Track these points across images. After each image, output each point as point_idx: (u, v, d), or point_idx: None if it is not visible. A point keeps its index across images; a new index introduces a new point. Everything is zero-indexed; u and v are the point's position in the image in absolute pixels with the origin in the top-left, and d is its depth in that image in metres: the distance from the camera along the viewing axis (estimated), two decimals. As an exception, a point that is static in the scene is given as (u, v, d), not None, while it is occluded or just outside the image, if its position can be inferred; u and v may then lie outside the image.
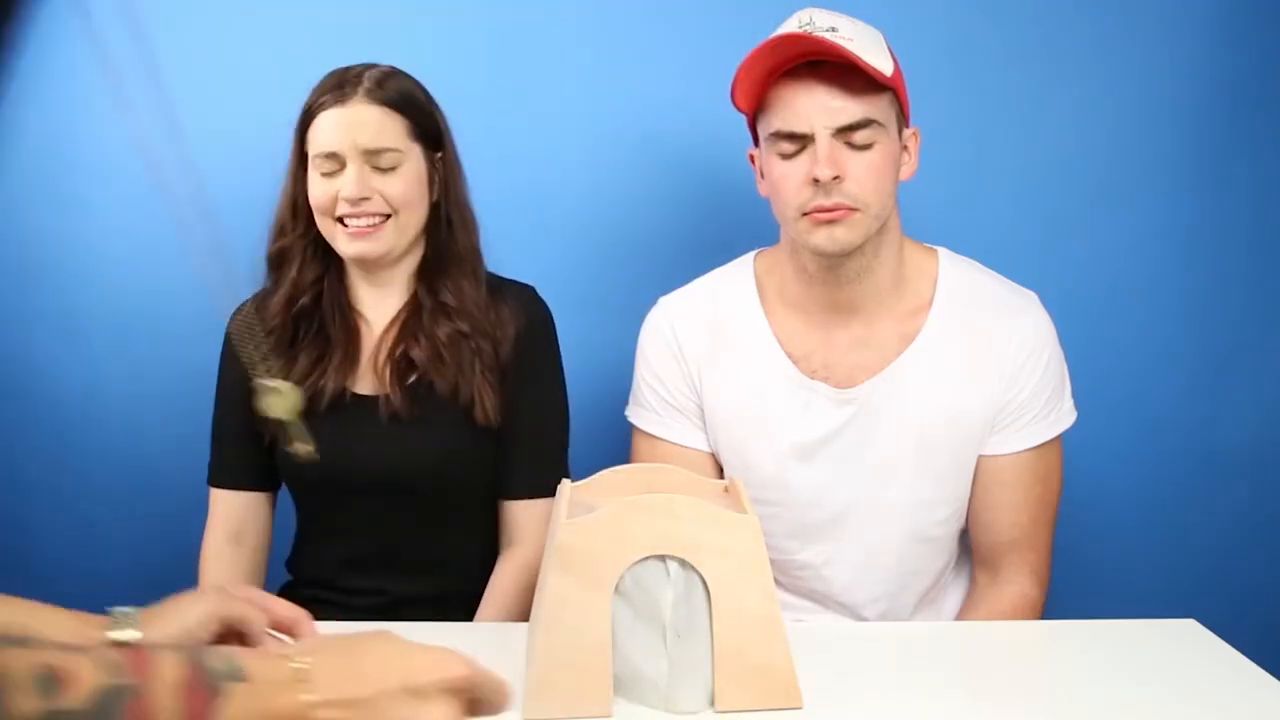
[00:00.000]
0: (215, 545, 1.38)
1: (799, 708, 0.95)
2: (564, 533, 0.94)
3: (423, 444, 1.31)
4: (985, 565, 1.35)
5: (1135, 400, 1.73)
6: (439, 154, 1.34)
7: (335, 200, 1.28)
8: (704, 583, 0.95)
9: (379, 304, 1.36)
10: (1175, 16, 1.67)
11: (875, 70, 1.18)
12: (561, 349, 1.42)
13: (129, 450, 1.75)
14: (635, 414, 1.42)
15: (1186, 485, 1.75)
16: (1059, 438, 1.31)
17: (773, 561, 1.38)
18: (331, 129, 1.27)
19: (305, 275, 1.34)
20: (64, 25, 1.68)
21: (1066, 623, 1.20)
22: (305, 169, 1.31)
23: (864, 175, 1.21)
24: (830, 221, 1.22)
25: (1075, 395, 1.34)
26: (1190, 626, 1.14)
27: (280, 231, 1.35)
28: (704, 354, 1.35)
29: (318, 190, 1.29)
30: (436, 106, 1.35)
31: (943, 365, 1.28)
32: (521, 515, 1.37)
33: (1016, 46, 1.69)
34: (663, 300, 1.41)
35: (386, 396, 1.31)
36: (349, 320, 1.35)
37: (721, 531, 0.95)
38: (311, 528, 1.41)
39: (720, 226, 1.65)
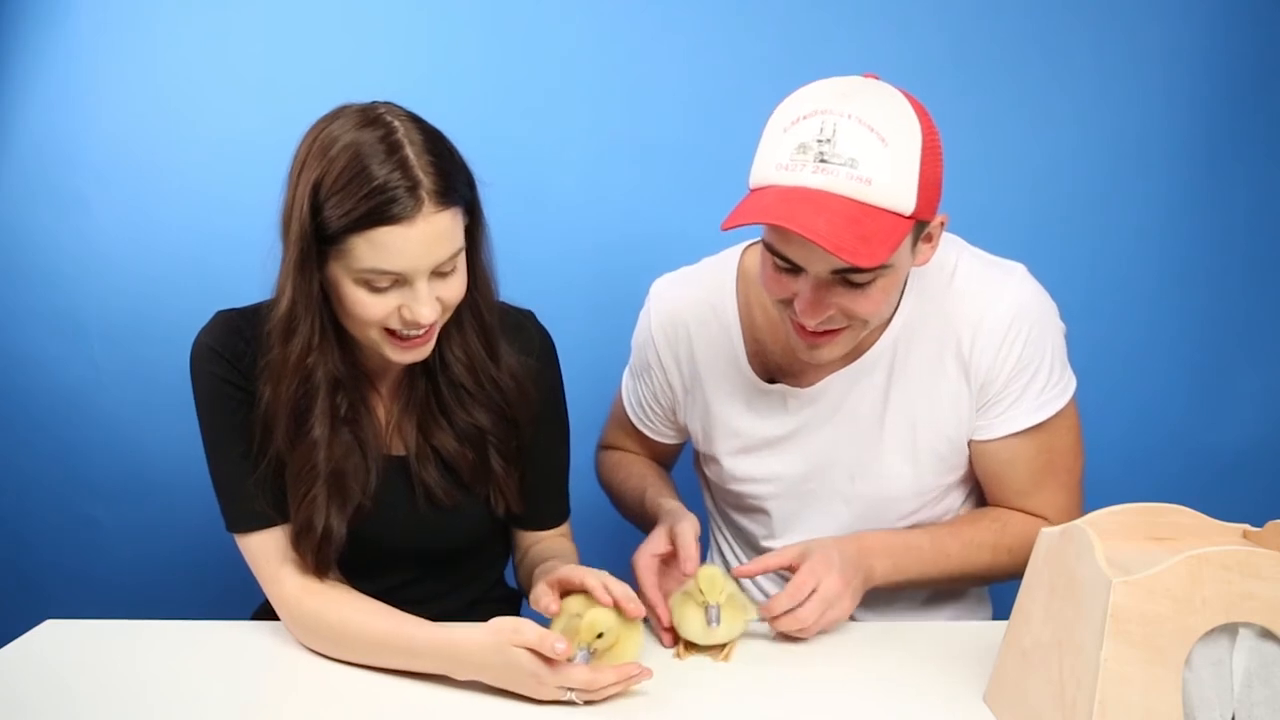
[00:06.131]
0: (302, 583, 1.14)
1: None
2: (1120, 594, 0.77)
3: (451, 525, 1.23)
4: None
5: (1137, 400, 1.74)
6: (472, 218, 1.12)
7: (392, 316, 1.07)
8: None
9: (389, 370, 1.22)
10: (1175, 22, 1.68)
11: (888, 225, 1.00)
12: (560, 353, 1.37)
13: (129, 450, 1.75)
14: (624, 381, 1.43)
15: (1187, 485, 1.75)
16: (1067, 405, 1.21)
17: (730, 524, 1.39)
18: (400, 252, 1.03)
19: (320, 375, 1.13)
20: (63, 25, 1.68)
21: (1068, 623, 1.19)
22: (320, 265, 1.07)
23: (860, 307, 1.08)
24: (815, 344, 1.12)
25: (1079, 396, 1.31)
26: (1191, 627, 1.13)
27: (285, 334, 1.10)
28: (679, 342, 1.31)
29: (369, 308, 1.06)
30: (461, 158, 1.10)
31: (905, 359, 1.20)
32: (549, 541, 1.30)
33: (1016, 53, 1.69)
34: (656, 284, 1.35)
35: (416, 464, 1.19)
36: (362, 390, 1.19)
37: None
38: None
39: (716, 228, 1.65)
